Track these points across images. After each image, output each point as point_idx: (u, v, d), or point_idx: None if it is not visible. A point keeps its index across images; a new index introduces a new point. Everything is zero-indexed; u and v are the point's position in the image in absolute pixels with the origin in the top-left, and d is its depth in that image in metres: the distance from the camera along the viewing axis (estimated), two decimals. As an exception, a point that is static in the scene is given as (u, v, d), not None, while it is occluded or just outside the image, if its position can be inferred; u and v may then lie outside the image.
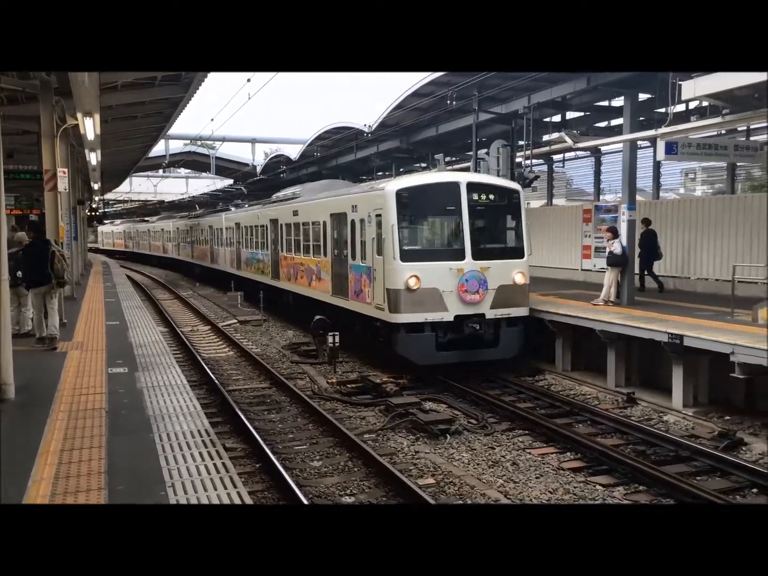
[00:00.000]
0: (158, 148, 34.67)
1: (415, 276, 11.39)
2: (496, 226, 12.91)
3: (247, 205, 28.45)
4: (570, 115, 18.54)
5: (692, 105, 14.16)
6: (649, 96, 15.00)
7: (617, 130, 16.28)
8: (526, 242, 12.43)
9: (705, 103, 11.72)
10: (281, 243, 19.03)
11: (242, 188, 36.54)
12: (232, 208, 29.55)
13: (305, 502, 6.66)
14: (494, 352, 11.97)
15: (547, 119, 18.16)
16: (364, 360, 13.77)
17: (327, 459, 8.37)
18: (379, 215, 12.02)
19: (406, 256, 11.57)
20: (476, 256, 11.79)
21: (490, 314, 11.82)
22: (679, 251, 16.69)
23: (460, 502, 6.99)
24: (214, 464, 5.42)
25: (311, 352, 14.48)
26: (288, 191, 21.22)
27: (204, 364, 13.04)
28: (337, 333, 13.05)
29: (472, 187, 12.02)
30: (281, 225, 19.05)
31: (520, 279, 12.09)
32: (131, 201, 62.45)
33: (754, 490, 7.32)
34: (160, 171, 49.53)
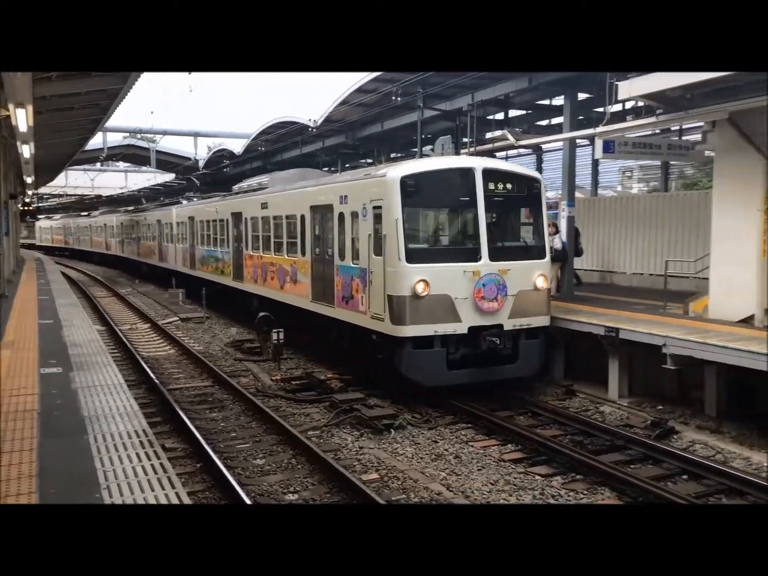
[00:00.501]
0: (95, 141, 33.56)
1: (424, 280, 9.69)
2: (515, 222, 11.34)
3: (194, 200, 26.96)
4: (512, 113, 18.83)
5: (629, 105, 14.59)
6: (587, 96, 15.42)
7: (558, 129, 16.66)
8: (547, 240, 11.03)
9: (641, 104, 12.08)
10: (246, 240, 16.87)
11: (194, 180, 35.07)
12: (184, 201, 27.43)
13: (247, 501, 6.58)
14: (513, 369, 10.38)
15: (491, 117, 18.41)
16: (309, 356, 13.70)
17: (270, 457, 8.30)
18: (378, 207, 10.24)
19: (413, 256, 9.83)
20: (494, 256, 10.16)
21: (509, 325, 10.21)
22: (616, 247, 17.21)
23: (403, 497, 7.04)
24: (152, 465, 5.29)
25: (255, 350, 14.33)
26: (253, 181, 18.91)
27: (143, 363, 12.73)
28: (281, 330, 12.94)
29: (488, 174, 10.31)
30: (246, 219, 16.89)
31: (541, 283, 10.56)
32: (67, 195, 60.32)
33: (685, 477, 7.62)
34: (98, 164, 48.02)
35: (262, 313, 14.06)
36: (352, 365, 11.98)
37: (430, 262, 9.98)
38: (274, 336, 12.84)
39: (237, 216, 17.79)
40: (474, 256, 10.14)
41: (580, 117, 15.58)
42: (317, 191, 13.06)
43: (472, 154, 16.10)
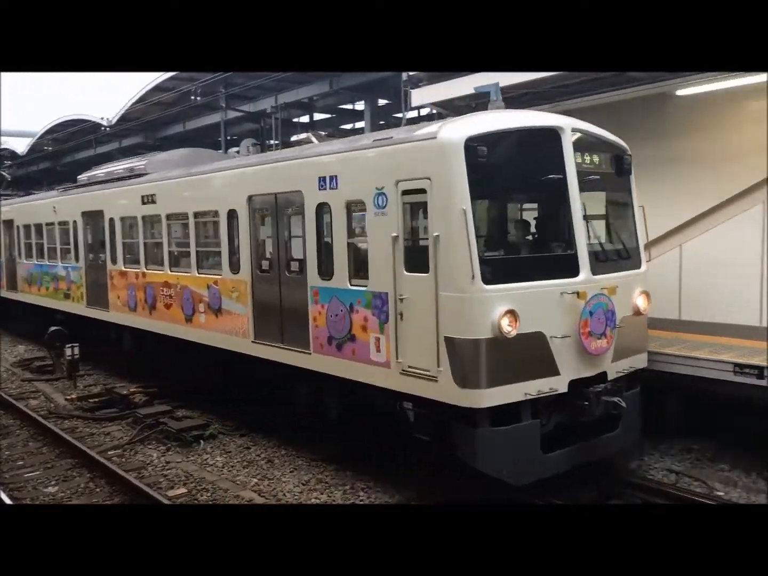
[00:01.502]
0: None
1: (511, 312, 6.01)
2: (608, 213, 7.62)
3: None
4: (317, 116, 19.13)
5: (425, 111, 15.44)
6: (387, 101, 16.08)
7: (361, 132, 17.17)
8: (641, 240, 7.50)
9: (435, 110, 12.84)
10: (113, 250, 12.25)
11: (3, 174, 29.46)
12: None
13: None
14: (615, 439, 6.96)
15: (296, 120, 18.53)
16: (109, 371, 12.81)
17: (65, 483, 7.65)
18: (416, 192, 6.38)
19: (492, 272, 6.08)
20: (595, 266, 6.66)
21: (612, 371, 6.85)
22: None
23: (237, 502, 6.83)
24: None
25: (47, 368, 13.16)
26: (117, 167, 13.72)
27: None
28: (76, 344, 11.95)
29: (579, 139, 6.83)
30: (113, 221, 12.20)
31: (642, 304, 7.20)
32: None
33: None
34: None
35: (53, 328, 12.89)
36: (158, 376, 11.37)
37: (513, 280, 6.24)
38: (68, 351, 11.84)
39: (94, 216, 13.08)
40: (570, 267, 6.52)
41: (381, 122, 16.20)
42: (265, 172, 8.64)
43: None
